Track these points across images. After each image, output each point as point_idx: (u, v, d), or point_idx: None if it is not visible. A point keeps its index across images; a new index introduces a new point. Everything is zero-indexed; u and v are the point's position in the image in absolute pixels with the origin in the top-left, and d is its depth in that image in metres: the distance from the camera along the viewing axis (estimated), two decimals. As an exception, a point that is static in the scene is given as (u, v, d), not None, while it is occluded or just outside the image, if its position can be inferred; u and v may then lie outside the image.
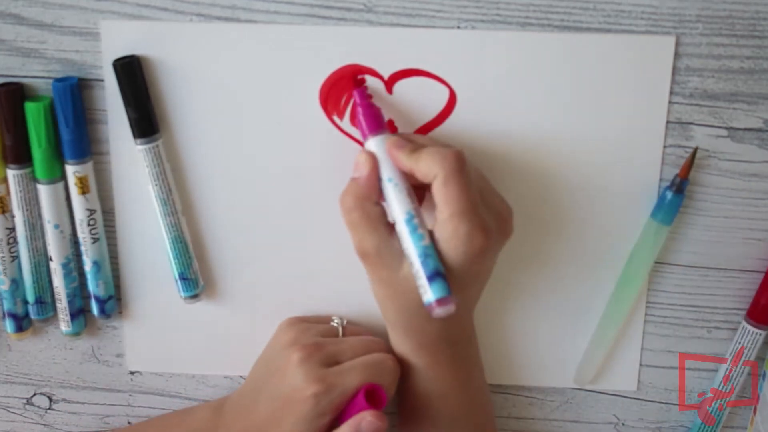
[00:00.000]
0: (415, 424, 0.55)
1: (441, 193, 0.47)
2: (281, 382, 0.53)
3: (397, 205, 0.49)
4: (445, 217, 0.47)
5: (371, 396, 0.51)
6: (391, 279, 0.50)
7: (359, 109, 0.52)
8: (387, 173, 0.50)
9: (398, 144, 0.50)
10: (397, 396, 0.55)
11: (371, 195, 0.50)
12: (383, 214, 0.50)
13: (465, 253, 0.47)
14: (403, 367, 0.54)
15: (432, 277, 0.47)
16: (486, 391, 0.57)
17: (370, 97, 0.53)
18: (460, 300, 0.48)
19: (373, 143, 0.51)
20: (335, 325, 0.57)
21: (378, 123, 0.51)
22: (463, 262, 0.47)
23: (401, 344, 0.53)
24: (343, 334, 0.56)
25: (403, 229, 0.48)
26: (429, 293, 0.47)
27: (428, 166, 0.48)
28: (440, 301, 0.47)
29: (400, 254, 0.49)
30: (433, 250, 0.48)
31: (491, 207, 0.50)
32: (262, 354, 0.57)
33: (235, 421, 0.56)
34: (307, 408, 0.51)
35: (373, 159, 0.50)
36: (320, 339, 0.54)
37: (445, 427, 0.54)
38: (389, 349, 0.55)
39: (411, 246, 0.48)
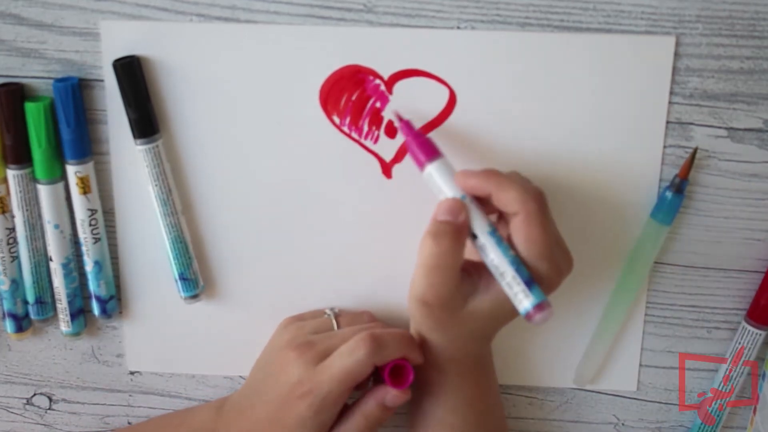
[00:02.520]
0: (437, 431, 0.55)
1: (523, 234, 0.48)
2: (277, 384, 0.53)
3: (478, 220, 0.49)
4: (523, 257, 0.48)
5: (396, 372, 0.51)
6: (449, 317, 0.50)
7: (411, 140, 0.52)
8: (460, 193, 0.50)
9: (469, 173, 0.50)
10: (419, 405, 0.55)
11: (465, 240, 0.49)
12: (462, 260, 0.50)
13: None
14: (431, 380, 0.54)
15: (529, 283, 0.47)
16: (501, 401, 0.58)
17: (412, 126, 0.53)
18: (501, 324, 0.51)
19: (434, 168, 0.51)
20: (328, 316, 0.57)
21: (434, 149, 0.51)
22: None
23: (430, 358, 0.53)
24: (338, 323, 0.56)
25: (488, 243, 0.48)
26: (530, 298, 0.47)
27: (512, 198, 0.48)
28: (539, 306, 0.47)
29: (467, 294, 0.49)
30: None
31: (560, 244, 0.50)
32: (261, 355, 0.57)
33: (235, 422, 0.56)
34: (303, 408, 0.51)
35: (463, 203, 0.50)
36: (313, 337, 0.54)
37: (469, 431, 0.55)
38: (380, 326, 0.55)
39: (500, 257, 0.48)
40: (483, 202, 0.50)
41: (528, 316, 0.48)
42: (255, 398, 0.55)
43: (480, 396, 0.54)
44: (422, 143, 0.51)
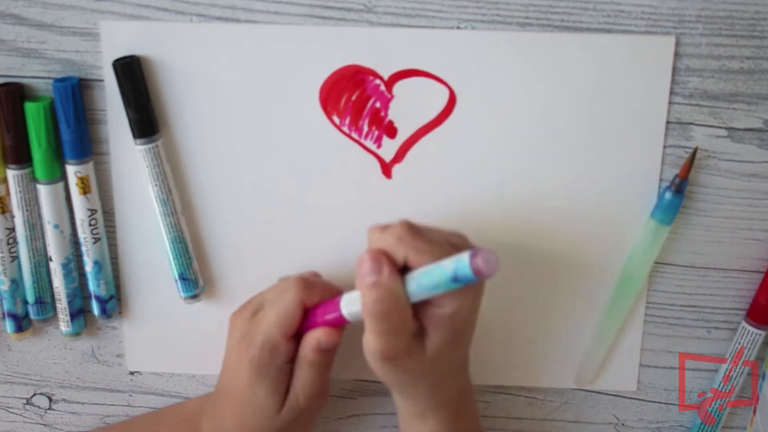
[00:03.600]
0: None
1: (416, 261, 0.46)
2: (227, 351, 0.54)
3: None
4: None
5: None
6: (418, 363, 0.48)
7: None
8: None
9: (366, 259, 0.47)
10: None
11: (402, 290, 0.47)
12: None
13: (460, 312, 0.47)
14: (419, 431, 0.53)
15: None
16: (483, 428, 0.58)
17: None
18: (465, 348, 0.51)
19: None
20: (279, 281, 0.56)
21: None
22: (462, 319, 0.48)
23: (421, 411, 0.52)
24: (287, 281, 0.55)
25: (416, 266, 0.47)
26: (456, 260, 0.44)
27: (392, 249, 0.47)
28: (474, 255, 0.43)
29: (419, 335, 0.48)
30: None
31: (456, 245, 0.49)
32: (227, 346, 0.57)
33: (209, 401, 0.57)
34: (246, 360, 0.51)
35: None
36: (247, 302, 0.55)
37: None
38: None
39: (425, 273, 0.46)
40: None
41: (476, 271, 0.43)
42: (221, 376, 0.56)
43: (478, 429, 0.55)
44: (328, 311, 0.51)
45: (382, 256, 0.47)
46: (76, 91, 0.53)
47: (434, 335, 0.48)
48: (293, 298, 0.51)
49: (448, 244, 0.48)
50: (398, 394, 0.52)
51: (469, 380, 0.54)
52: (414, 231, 0.47)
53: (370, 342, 0.47)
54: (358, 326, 0.48)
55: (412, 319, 0.47)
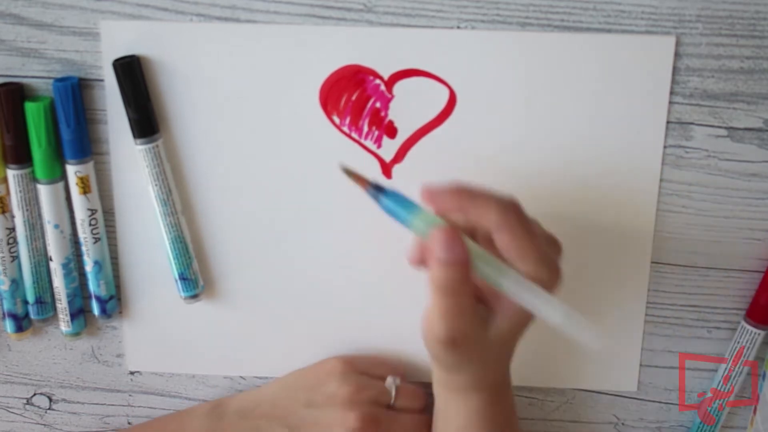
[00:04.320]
0: None
1: (513, 249, 0.45)
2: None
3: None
4: (524, 271, 0.45)
5: None
6: (475, 349, 0.47)
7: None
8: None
9: (443, 187, 0.46)
10: None
11: (470, 272, 0.46)
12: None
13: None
14: (458, 407, 0.51)
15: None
16: (517, 419, 0.56)
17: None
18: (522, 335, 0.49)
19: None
20: (389, 385, 0.57)
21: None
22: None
23: (463, 387, 0.50)
24: (396, 394, 0.56)
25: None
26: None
27: (490, 213, 0.45)
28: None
29: (484, 320, 0.47)
30: None
31: (548, 239, 0.49)
32: (299, 381, 0.58)
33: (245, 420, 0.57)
34: None
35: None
36: (378, 412, 0.55)
37: None
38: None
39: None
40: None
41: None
42: (277, 407, 0.56)
43: (504, 423, 0.52)
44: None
45: (458, 234, 0.45)
46: (76, 91, 0.53)
47: (502, 321, 0.46)
48: None
49: (546, 242, 0.47)
50: (444, 369, 0.50)
51: (509, 371, 0.53)
52: (521, 213, 0.45)
53: (434, 322, 0.45)
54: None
55: (477, 297, 0.46)
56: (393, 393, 0.57)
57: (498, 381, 0.51)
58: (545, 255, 0.46)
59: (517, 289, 0.45)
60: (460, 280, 0.45)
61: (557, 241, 0.50)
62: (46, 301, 0.58)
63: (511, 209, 0.45)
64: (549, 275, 0.46)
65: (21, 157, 0.54)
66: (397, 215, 0.47)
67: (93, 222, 0.56)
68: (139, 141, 0.54)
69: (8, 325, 0.58)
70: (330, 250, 0.57)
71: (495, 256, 0.46)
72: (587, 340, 0.44)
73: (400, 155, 0.55)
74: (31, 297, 0.57)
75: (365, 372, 0.58)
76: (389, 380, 0.57)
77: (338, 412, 0.54)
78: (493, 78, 0.53)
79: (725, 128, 0.54)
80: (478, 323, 0.46)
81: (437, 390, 0.52)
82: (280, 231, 0.57)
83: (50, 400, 0.62)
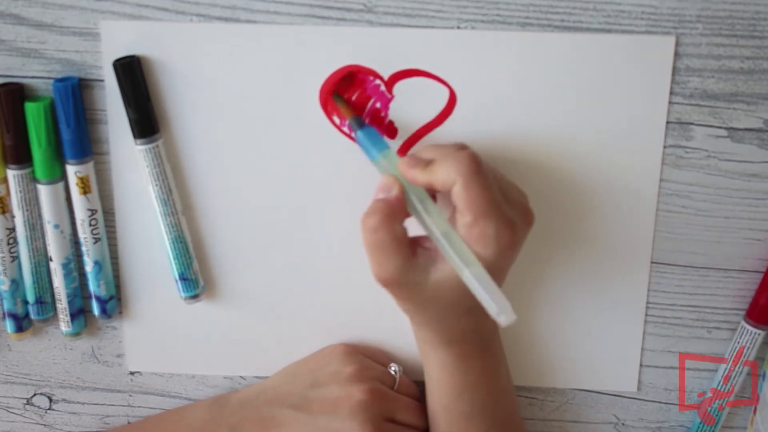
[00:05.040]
0: (446, 419, 0.55)
1: (462, 198, 0.47)
2: (332, 415, 0.54)
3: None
4: (470, 221, 0.47)
5: None
6: (418, 292, 0.49)
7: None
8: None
9: (410, 163, 0.49)
10: (426, 391, 0.56)
11: (401, 215, 0.49)
12: (406, 234, 0.49)
13: (495, 251, 0.47)
14: (432, 361, 0.54)
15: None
16: (511, 381, 0.57)
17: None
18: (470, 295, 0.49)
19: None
20: (393, 373, 0.57)
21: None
22: (493, 260, 0.47)
23: (431, 340, 0.53)
24: (398, 384, 0.57)
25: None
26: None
27: (445, 175, 0.47)
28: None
29: (426, 266, 0.49)
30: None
31: (511, 199, 0.50)
32: (301, 367, 0.58)
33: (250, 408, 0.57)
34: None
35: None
36: (383, 388, 0.55)
37: (477, 417, 0.54)
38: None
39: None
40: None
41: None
42: (280, 392, 0.56)
43: (487, 379, 0.54)
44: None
45: (396, 179, 0.49)
46: (76, 91, 0.53)
47: (442, 268, 0.48)
48: None
49: (504, 197, 0.49)
50: (409, 318, 0.52)
51: (495, 331, 0.54)
52: (474, 167, 0.47)
53: (369, 264, 0.49)
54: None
55: (410, 248, 0.49)
56: (397, 378, 0.57)
57: (466, 336, 0.52)
58: (494, 209, 0.47)
59: (441, 243, 0.47)
60: (381, 221, 0.48)
61: (525, 208, 0.51)
62: (46, 301, 0.58)
63: (464, 162, 0.47)
64: (496, 230, 0.47)
65: (21, 157, 0.54)
66: (367, 150, 0.52)
67: (93, 222, 0.56)
68: (139, 141, 0.54)
69: (8, 325, 0.58)
70: (330, 251, 0.57)
71: (438, 208, 0.49)
72: (490, 306, 0.45)
73: (400, 155, 0.55)
74: (31, 297, 0.57)
75: (368, 355, 0.58)
76: (393, 367, 0.58)
77: (343, 387, 0.54)
78: (493, 78, 0.53)
79: (725, 128, 0.54)
80: (413, 267, 0.48)
81: (417, 342, 0.55)
82: (281, 231, 0.57)
83: (50, 400, 0.62)
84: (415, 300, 0.50)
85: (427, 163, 0.49)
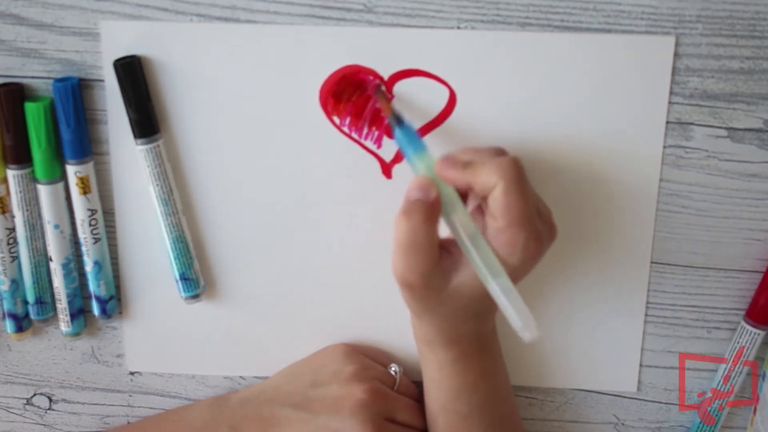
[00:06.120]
0: (444, 419, 0.55)
1: (500, 202, 0.47)
2: (333, 414, 0.54)
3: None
4: (502, 226, 0.47)
5: None
6: (435, 296, 0.49)
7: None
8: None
9: (449, 163, 0.49)
10: (425, 391, 0.56)
11: (437, 217, 0.49)
12: (438, 238, 0.49)
13: (520, 260, 0.48)
14: (430, 361, 0.54)
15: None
16: (509, 382, 0.57)
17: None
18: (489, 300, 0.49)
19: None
20: (393, 373, 0.57)
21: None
22: (515, 268, 0.48)
23: (430, 340, 0.53)
24: (398, 384, 0.57)
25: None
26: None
27: (487, 177, 0.47)
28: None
29: (449, 271, 0.49)
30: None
31: (541, 213, 0.50)
32: (302, 367, 0.58)
33: (252, 407, 0.57)
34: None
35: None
36: (384, 387, 0.56)
37: (475, 417, 0.54)
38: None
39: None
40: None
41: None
42: (281, 391, 0.56)
43: (485, 380, 0.54)
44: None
45: (432, 181, 0.49)
46: (76, 91, 0.53)
47: (464, 275, 0.48)
48: None
49: (536, 210, 0.49)
50: (413, 314, 0.53)
51: (493, 332, 0.54)
52: (516, 173, 0.47)
53: (395, 259, 0.48)
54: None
55: (439, 251, 0.48)
56: (398, 378, 0.57)
57: (466, 338, 0.52)
58: (528, 220, 0.48)
59: (469, 248, 0.47)
60: (420, 222, 0.48)
61: (552, 225, 0.51)
62: (46, 301, 0.58)
63: (507, 167, 0.47)
64: (526, 242, 0.48)
65: (21, 157, 0.54)
66: (404, 149, 0.52)
67: (93, 222, 0.56)
68: (139, 141, 0.54)
69: (8, 325, 0.58)
70: (330, 251, 0.57)
71: (471, 216, 0.49)
72: (515, 320, 0.46)
73: (400, 155, 0.55)
74: (31, 297, 0.57)
75: (369, 355, 0.58)
76: (393, 367, 0.58)
77: (344, 387, 0.55)
78: (493, 78, 0.53)
79: (725, 128, 0.54)
80: (438, 271, 0.48)
81: (415, 342, 0.55)
82: (281, 231, 0.57)
83: (50, 400, 0.62)
84: (429, 302, 0.50)
85: (467, 165, 0.49)
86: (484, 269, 0.47)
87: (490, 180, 0.47)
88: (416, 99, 0.54)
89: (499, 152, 0.50)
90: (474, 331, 0.52)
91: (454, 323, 0.51)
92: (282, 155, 0.55)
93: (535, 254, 0.49)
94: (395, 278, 0.49)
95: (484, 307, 0.51)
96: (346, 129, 0.55)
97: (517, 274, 0.48)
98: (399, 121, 0.51)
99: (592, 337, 0.59)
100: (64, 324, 0.58)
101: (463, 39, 0.53)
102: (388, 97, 0.53)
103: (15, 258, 0.56)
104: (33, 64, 0.54)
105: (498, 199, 0.47)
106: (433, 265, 0.48)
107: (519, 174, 0.47)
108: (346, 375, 0.55)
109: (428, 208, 0.48)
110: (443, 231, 0.49)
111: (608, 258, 0.57)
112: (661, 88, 0.53)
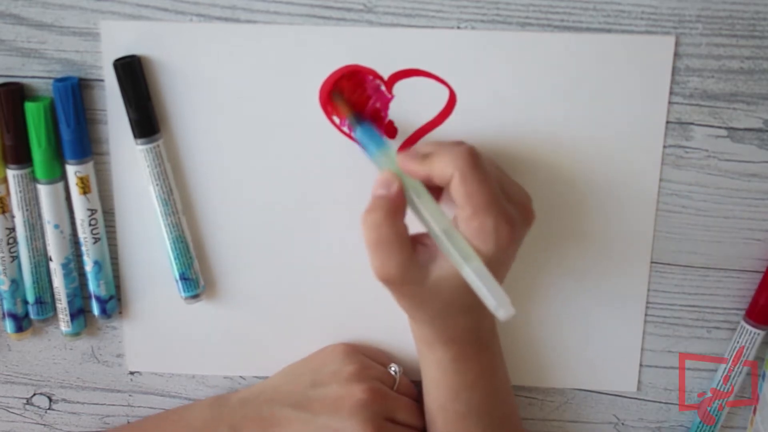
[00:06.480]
0: (443, 419, 0.55)
1: (460, 192, 0.47)
2: (333, 414, 0.54)
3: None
4: (469, 214, 0.47)
5: None
6: (418, 290, 0.49)
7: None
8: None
9: (408, 156, 0.49)
10: (424, 391, 0.56)
11: (402, 211, 0.49)
12: (407, 230, 0.49)
13: (494, 245, 0.47)
14: (429, 361, 0.54)
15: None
16: (509, 382, 0.57)
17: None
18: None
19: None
20: (393, 373, 0.57)
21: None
22: (492, 254, 0.47)
23: (429, 339, 0.53)
24: (398, 384, 0.57)
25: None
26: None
27: (443, 167, 0.47)
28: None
29: (426, 264, 0.49)
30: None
31: (512, 196, 0.50)
32: (302, 367, 0.58)
33: (252, 407, 0.57)
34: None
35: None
36: (384, 387, 0.56)
37: (474, 417, 0.54)
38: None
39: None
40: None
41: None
42: (281, 391, 0.56)
43: (484, 380, 0.54)
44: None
45: (395, 176, 0.49)
46: (76, 91, 0.53)
47: (443, 265, 0.48)
48: None
49: (504, 195, 0.49)
50: (408, 315, 0.53)
51: (492, 329, 0.54)
52: (473, 161, 0.47)
53: (370, 262, 0.48)
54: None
55: (411, 244, 0.48)
56: (397, 378, 0.57)
57: (465, 336, 0.52)
58: (492, 204, 0.47)
59: (439, 237, 0.47)
60: (383, 217, 0.48)
61: (525, 204, 0.51)
62: (46, 301, 0.58)
63: (461, 156, 0.47)
64: (495, 225, 0.47)
65: (21, 157, 0.54)
66: (366, 147, 0.52)
67: (93, 222, 0.56)
68: (139, 141, 0.54)
69: (8, 325, 0.58)
70: (330, 251, 0.57)
71: (437, 204, 0.49)
72: (488, 300, 0.45)
73: (400, 155, 0.55)
74: (31, 297, 0.57)
75: (369, 355, 0.58)
76: (393, 367, 0.58)
77: (344, 387, 0.55)
78: (493, 78, 0.53)
79: (725, 128, 0.54)
80: (414, 264, 0.48)
81: (415, 342, 0.55)
82: (281, 231, 0.57)
83: (50, 400, 0.62)
84: (414, 297, 0.50)
85: (425, 156, 0.49)
86: (456, 255, 0.47)
87: (447, 170, 0.47)
88: (416, 99, 0.54)
89: (459, 143, 0.50)
90: (471, 327, 0.52)
91: (447, 319, 0.51)
92: (282, 155, 0.55)
93: (510, 238, 0.48)
94: (376, 278, 0.49)
95: (472, 299, 0.50)
96: (346, 129, 0.55)
97: (496, 261, 0.48)
98: (358, 120, 0.52)
99: (592, 336, 0.59)
100: (64, 324, 0.58)
101: (463, 39, 0.53)
102: (343, 99, 0.53)
103: (15, 258, 0.56)
104: (33, 64, 0.54)
105: (457, 188, 0.47)
106: (406, 259, 0.48)
107: (474, 161, 0.47)
108: (346, 375, 0.55)
109: (390, 203, 0.48)
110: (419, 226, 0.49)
111: (608, 258, 0.57)
112: (661, 88, 0.53)
